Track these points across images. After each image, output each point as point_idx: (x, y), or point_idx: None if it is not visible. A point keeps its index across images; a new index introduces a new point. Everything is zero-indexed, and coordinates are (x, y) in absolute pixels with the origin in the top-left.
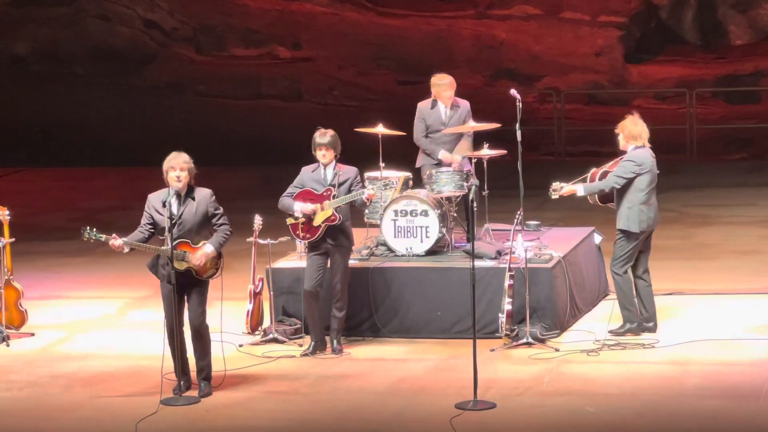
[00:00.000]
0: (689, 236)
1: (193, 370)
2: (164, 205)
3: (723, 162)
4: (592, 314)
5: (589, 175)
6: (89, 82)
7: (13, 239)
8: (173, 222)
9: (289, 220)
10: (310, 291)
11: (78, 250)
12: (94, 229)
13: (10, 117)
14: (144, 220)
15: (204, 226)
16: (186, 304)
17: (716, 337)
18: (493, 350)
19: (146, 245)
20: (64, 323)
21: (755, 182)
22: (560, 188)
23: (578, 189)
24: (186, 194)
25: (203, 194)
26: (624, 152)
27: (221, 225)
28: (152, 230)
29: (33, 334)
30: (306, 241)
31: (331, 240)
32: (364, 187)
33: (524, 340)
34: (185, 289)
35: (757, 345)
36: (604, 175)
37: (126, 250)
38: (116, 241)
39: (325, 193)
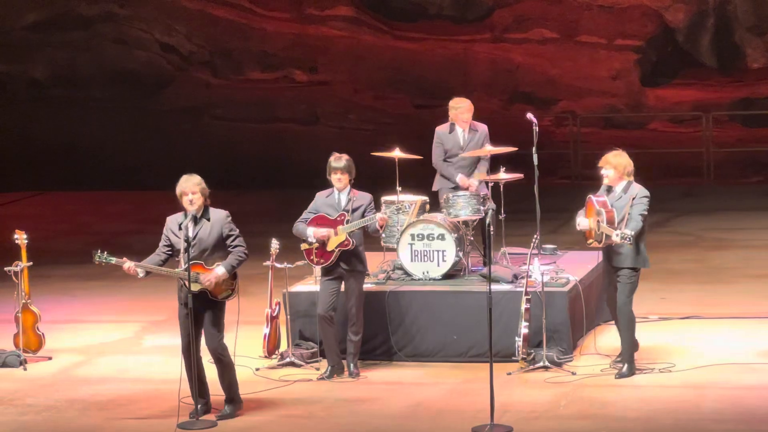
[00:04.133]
0: (706, 260)
1: (221, 394)
2: (180, 228)
3: (740, 185)
4: (611, 338)
5: (601, 222)
6: (106, 106)
7: (31, 263)
8: (188, 244)
9: (304, 246)
10: (324, 315)
11: (95, 274)
12: (105, 253)
13: (28, 141)
14: (162, 242)
15: (219, 248)
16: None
17: (733, 361)
18: (509, 374)
19: (159, 268)
20: (81, 347)
21: None
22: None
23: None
24: (201, 216)
25: (218, 216)
26: (608, 187)
27: (236, 247)
28: (169, 252)
29: (50, 358)
30: (320, 266)
31: (345, 265)
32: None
33: (541, 364)
34: (202, 311)
35: None
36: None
37: (141, 274)
38: (127, 263)
39: (338, 218)
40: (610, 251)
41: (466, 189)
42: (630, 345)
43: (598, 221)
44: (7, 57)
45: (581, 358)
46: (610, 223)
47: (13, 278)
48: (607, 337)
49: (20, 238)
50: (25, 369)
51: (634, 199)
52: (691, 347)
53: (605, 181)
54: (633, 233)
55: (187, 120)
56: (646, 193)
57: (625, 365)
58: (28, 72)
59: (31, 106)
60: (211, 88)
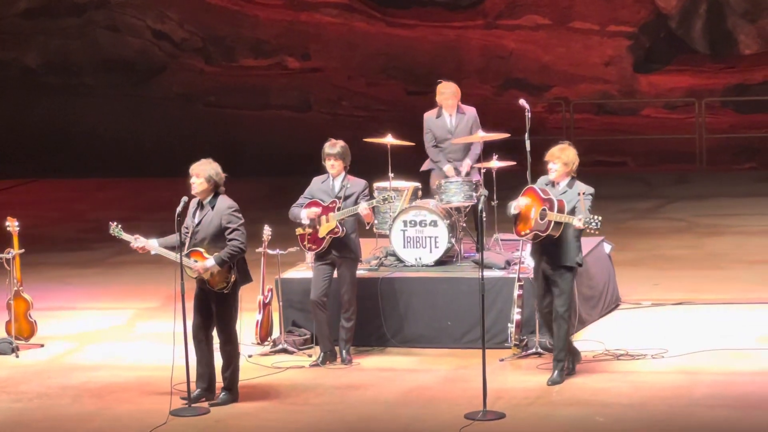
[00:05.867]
0: (699, 246)
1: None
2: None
3: (732, 171)
4: (603, 323)
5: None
6: (99, 93)
7: (23, 250)
8: (191, 230)
9: (298, 230)
10: (316, 301)
11: (87, 261)
12: (119, 226)
13: (20, 128)
14: (184, 223)
15: (220, 238)
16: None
17: (726, 347)
18: (502, 360)
19: (164, 250)
20: (74, 334)
21: (765, 191)
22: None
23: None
24: (208, 203)
25: (221, 206)
26: (550, 182)
27: (231, 240)
28: (187, 233)
29: (42, 345)
30: (312, 252)
31: (336, 252)
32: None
33: (533, 350)
34: (210, 301)
35: (766, 354)
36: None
37: (153, 251)
38: (138, 242)
39: (330, 205)
40: (549, 248)
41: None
42: (565, 351)
43: (544, 209)
44: (0, 44)
45: (574, 344)
46: (562, 212)
47: (5, 265)
48: (601, 325)
49: (12, 225)
50: (17, 356)
51: (582, 194)
52: (684, 333)
53: (551, 176)
54: (600, 218)
55: (179, 107)
56: (593, 190)
57: (556, 371)
58: (21, 59)
59: (23, 93)
60: (203, 75)
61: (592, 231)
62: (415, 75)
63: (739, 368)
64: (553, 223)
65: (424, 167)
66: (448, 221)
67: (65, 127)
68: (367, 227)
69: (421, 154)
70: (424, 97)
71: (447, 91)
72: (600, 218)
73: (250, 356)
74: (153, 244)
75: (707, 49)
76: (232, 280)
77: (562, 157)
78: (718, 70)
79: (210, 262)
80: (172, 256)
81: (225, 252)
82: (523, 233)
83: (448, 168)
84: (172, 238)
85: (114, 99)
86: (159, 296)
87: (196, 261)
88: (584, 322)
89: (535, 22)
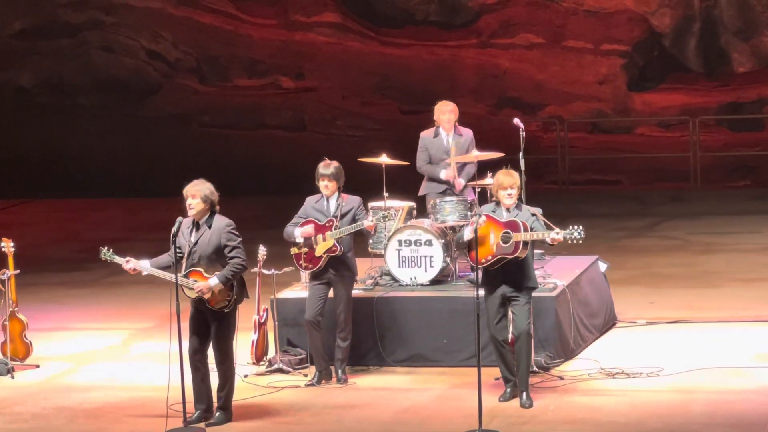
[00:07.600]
0: (694, 264)
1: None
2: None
3: (727, 189)
4: (599, 342)
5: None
6: (93, 114)
7: (18, 271)
8: (189, 250)
9: (293, 250)
10: (311, 320)
11: (83, 281)
12: (111, 250)
13: (15, 148)
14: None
15: (218, 257)
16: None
17: (722, 365)
18: (497, 379)
19: (158, 271)
20: (69, 355)
21: (759, 209)
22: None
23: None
24: (204, 222)
25: (219, 224)
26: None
27: (232, 258)
28: (180, 254)
29: (38, 366)
30: (308, 272)
31: (333, 271)
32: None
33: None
34: (209, 320)
35: (762, 373)
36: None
37: (144, 273)
38: (129, 264)
39: (327, 224)
40: (511, 272)
41: (452, 182)
42: (529, 371)
43: (507, 232)
44: None
45: (569, 362)
46: (527, 232)
47: (0, 286)
48: (597, 344)
49: (7, 246)
50: (12, 377)
51: (537, 215)
52: (679, 351)
53: (509, 202)
54: (581, 227)
55: (174, 127)
56: (541, 210)
57: (525, 393)
58: (15, 80)
59: (17, 113)
60: (197, 95)
61: (576, 241)
62: (410, 94)
63: (735, 386)
64: (521, 243)
65: (422, 192)
66: (443, 240)
67: (59, 148)
68: (372, 238)
69: (416, 174)
70: (419, 117)
71: (446, 108)
72: (581, 227)
73: (245, 376)
74: (144, 265)
75: (701, 67)
76: (234, 298)
77: (516, 182)
78: (712, 88)
79: (214, 281)
80: (167, 276)
81: (228, 270)
82: (484, 260)
83: (444, 172)
84: (164, 258)
85: (108, 119)
86: (154, 316)
87: (195, 281)
88: (581, 343)
89: (529, 41)
